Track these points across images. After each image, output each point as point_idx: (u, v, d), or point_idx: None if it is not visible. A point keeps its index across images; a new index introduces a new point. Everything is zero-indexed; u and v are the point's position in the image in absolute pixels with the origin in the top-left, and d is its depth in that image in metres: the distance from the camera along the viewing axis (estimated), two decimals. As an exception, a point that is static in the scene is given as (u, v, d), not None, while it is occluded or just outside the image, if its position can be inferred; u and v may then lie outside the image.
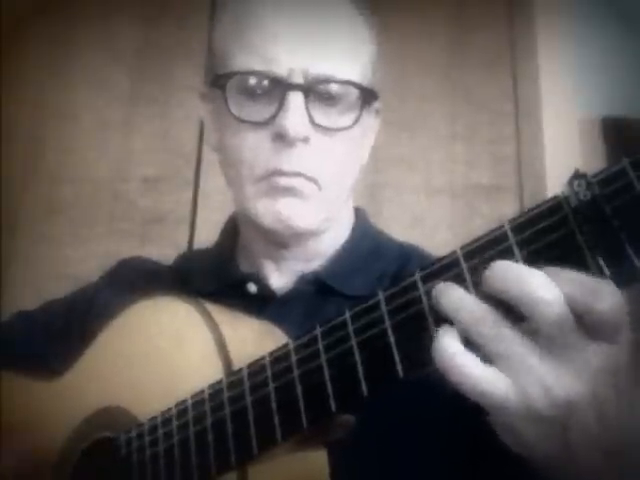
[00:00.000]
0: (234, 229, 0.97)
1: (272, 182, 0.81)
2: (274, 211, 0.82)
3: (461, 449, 0.75)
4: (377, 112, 0.93)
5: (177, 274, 0.98)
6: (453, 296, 0.49)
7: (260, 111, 0.81)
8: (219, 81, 0.84)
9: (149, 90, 1.99)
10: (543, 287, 0.46)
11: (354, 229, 0.94)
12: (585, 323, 0.46)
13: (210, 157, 1.91)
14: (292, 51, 0.81)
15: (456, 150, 1.93)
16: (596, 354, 0.46)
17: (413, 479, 0.76)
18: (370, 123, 0.91)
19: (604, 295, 0.45)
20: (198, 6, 2.02)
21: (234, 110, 0.82)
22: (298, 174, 0.81)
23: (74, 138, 1.95)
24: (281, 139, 0.80)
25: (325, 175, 0.83)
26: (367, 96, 0.84)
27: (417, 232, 1.82)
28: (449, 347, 0.48)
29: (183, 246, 1.83)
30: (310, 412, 0.59)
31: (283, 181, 0.81)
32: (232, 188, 0.88)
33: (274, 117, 0.80)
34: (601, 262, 0.45)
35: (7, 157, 1.82)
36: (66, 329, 0.98)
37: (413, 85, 1.92)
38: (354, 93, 0.83)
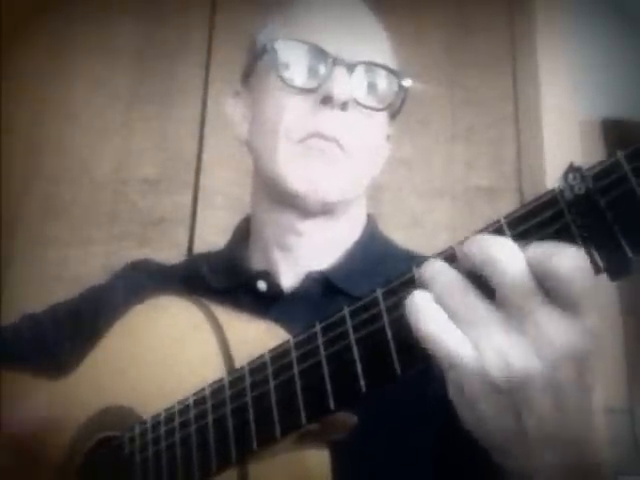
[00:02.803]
0: (246, 229, 1.01)
1: (308, 144, 0.88)
2: (306, 174, 0.88)
3: (457, 449, 0.75)
4: (388, 137, 1.01)
5: (189, 273, 0.99)
6: (432, 266, 0.51)
7: (306, 80, 0.89)
8: (272, 46, 0.91)
9: (149, 90, 1.99)
10: (503, 250, 0.47)
11: (364, 232, 0.98)
12: (546, 287, 0.46)
13: (210, 158, 1.92)
14: (336, 37, 0.91)
15: (456, 151, 1.93)
16: (561, 330, 0.46)
17: (414, 477, 0.77)
18: (387, 134, 1.00)
19: (563, 257, 0.45)
20: (199, 6, 2.02)
21: (283, 74, 0.89)
22: (334, 139, 0.88)
23: (74, 138, 1.95)
24: (326, 102, 0.87)
25: (356, 148, 0.90)
26: (399, 82, 0.93)
27: (417, 233, 1.82)
28: (421, 299, 0.50)
29: (183, 247, 1.83)
30: (309, 409, 0.59)
31: (319, 144, 0.88)
32: (260, 160, 0.93)
33: (320, 85, 0.88)
34: (595, 255, 0.45)
35: (7, 157, 1.82)
36: (75, 330, 0.98)
37: (413, 86, 1.92)
38: (388, 78, 0.92)
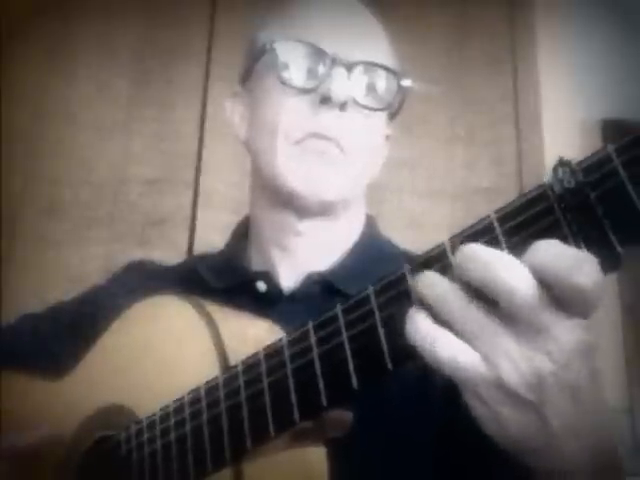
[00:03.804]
0: (245, 230, 1.01)
1: (307, 145, 0.88)
2: (304, 174, 0.88)
3: (456, 446, 0.76)
4: (387, 137, 1.01)
5: (188, 273, 0.99)
6: (426, 280, 0.50)
7: (305, 80, 0.89)
8: (271, 47, 0.91)
9: (149, 91, 1.99)
10: (508, 272, 0.46)
11: (364, 233, 0.98)
12: (558, 296, 0.45)
13: (210, 158, 1.92)
14: (335, 37, 0.90)
15: (456, 152, 1.93)
16: (568, 330, 0.46)
17: (411, 477, 0.77)
18: (386, 134, 1.00)
19: (582, 268, 0.44)
20: (198, 7, 2.03)
21: (282, 74, 0.89)
22: (332, 139, 0.88)
23: (74, 139, 1.95)
24: (324, 103, 0.87)
25: (355, 148, 0.90)
26: (398, 82, 0.92)
27: (417, 234, 1.82)
28: (421, 322, 0.49)
29: (183, 248, 1.83)
30: (302, 406, 0.59)
31: (318, 144, 0.88)
32: (259, 161, 0.94)
33: (319, 85, 0.88)
34: (584, 249, 0.45)
35: (7, 159, 1.82)
36: (74, 330, 0.98)
37: (413, 86, 1.91)
38: (387, 78, 0.92)
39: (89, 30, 2.02)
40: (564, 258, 0.45)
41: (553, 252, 0.45)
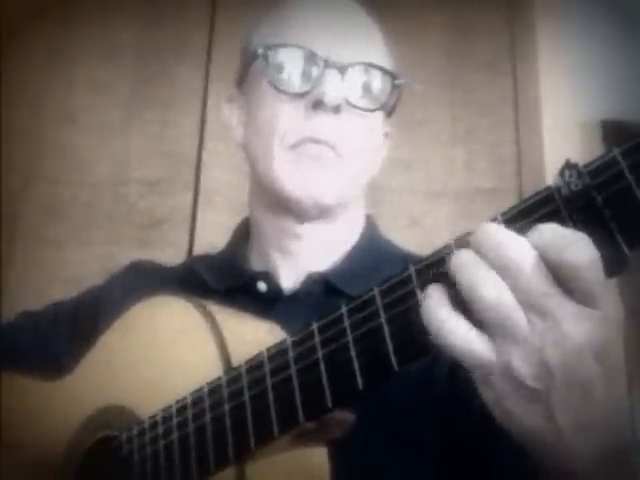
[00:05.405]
0: (246, 231, 1.01)
1: (303, 150, 0.88)
2: (300, 179, 0.88)
3: (459, 445, 0.76)
4: (386, 135, 1.00)
5: (188, 274, 0.99)
6: (460, 256, 0.49)
7: (298, 84, 0.88)
8: (262, 51, 0.90)
9: (149, 92, 1.99)
10: (515, 248, 0.46)
11: (363, 234, 0.98)
12: (559, 278, 0.46)
13: (210, 159, 1.92)
14: (328, 39, 0.90)
15: (456, 153, 1.93)
16: (577, 321, 0.46)
17: (414, 475, 0.77)
18: (384, 132, 0.99)
19: (574, 246, 0.44)
20: (198, 8, 2.02)
21: (274, 79, 0.89)
22: (327, 143, 0.88)
23: (74, 140, 1.95)
24: (318, 107, 0.86)
25: (349, 151, 0.89)
26: (393, 82, 0.92)
27: (416, 235, 1.82)
28: (436, 308, 0.49)
29: (183, 248, 1.83)
30: (306, 407, 0.59)
31: (313, 148, 0.88)
32: (256, 165, 0.93)
33: (312, 89, 0.87)
34: None
35: (7, 159, 1.82)
36: (74, 330, 0.99)
37: (413, 87, 1.91)
38: (382, 78, 0.91)
39: (89, 31, 2.02)
40: (558, 237, 0.45)
41: (549, 232, 0.46)
